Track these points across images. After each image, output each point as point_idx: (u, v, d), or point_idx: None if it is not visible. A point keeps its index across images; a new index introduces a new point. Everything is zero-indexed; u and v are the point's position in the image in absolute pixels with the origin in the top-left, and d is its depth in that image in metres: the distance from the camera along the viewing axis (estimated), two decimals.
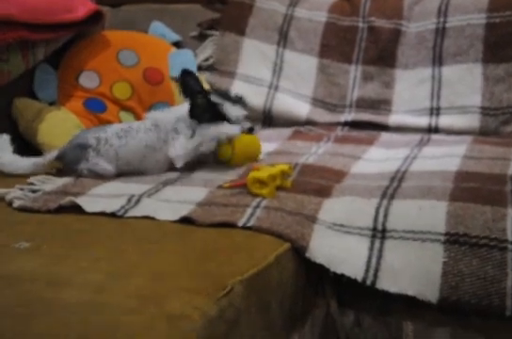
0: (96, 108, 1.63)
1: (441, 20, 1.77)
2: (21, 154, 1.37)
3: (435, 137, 1.65)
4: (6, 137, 1.36)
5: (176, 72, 1.71)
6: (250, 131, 1.38)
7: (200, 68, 1.81)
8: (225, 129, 1.33)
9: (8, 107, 1.57)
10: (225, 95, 1.38)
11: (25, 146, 1.53)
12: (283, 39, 1.85)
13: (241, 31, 1.85)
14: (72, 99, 1.63)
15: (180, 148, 1.33)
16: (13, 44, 1.50)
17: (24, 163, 1.33)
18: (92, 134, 1.33)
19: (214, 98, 1.35)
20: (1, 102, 1.56)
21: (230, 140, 1.36)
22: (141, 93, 1.68)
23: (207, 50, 1.85)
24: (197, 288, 0.86)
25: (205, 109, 1.33)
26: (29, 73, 1.62)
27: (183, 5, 1.97)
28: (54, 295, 0.84)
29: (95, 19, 1.71)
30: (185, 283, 0.88)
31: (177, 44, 1.86)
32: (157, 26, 1.89)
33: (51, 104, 1.64)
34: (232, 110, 1.34)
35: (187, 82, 1.35)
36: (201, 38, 1.88)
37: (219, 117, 1.33)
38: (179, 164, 1.34)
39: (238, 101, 1.38)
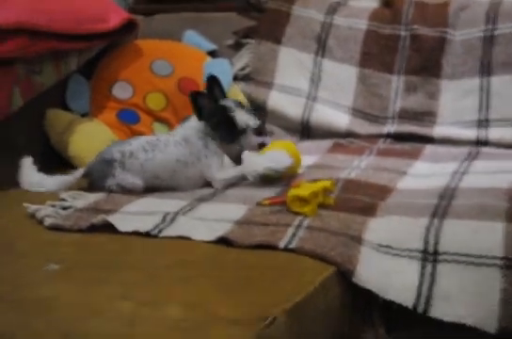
0: (129, 119, 1.62)
1: (490, 27, 1.71)
2: (51, 168, 1.34)
3: (484, 150, 1.58)
4: (29, 159, 1.33)
5: None
6: (261, 147, 1.32)
7: (235, 77, 1.78)
8: (274, 163, 1.27)
9: (41, 119, 1.55)
10: (239, 104, 1.34)
11: (57, 159, 1.51)
12: (321, 47, 1.81)
13: (278, 40, 1.82)
14: (105, 110, 1.62)
15: (220, 171, 1.30)
16: (46, 55, 1.48)
17: (52, 181, 1.30)
18: (117, 147, 1.30)
19: (226, 102, 1.31)
20: (33, 113, 1.54)
21: None
22: (176, 104, 1.65)
23: (243, 59, 1.82)
24: (237, 318, 0.82)
25: (212, 112, 1.29)
26: (62, 84, 1.61)
27: (218, 13, 1.95)
28: (82, 326, 0.79)
29: (128, 28, 1.69)
30: (224, 313, 0.83)
31: (212, 53, 1.84)
32: (192, 35, 1.86)
33: (83, 115, 1.62)
34: (242, 117, 1.30)
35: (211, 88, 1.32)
36: (237, 46, 1.85)
37: (228, 122, 1.29)
38: (218, 187, 1.31)
39: (251, 112, 1.34)
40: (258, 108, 1.73)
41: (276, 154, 1.29)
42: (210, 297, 0.87)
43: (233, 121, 1.29)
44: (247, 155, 1.28)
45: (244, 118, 1.30)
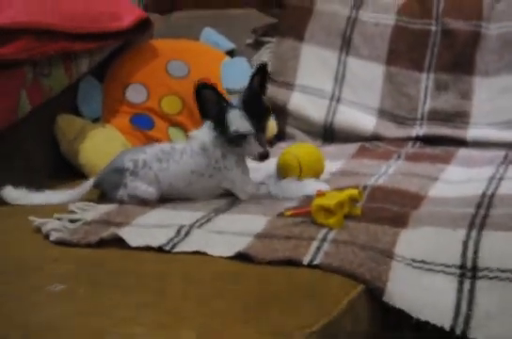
0: (144, 125, 1.58)
1: None
2: (61, 176, 1.28)
3: None
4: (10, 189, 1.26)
5: (230, 83, 1.61)
6: (262, 158, 1.21)
7: None
8: (307, 190, 1.22)
9: (51, 125, 1.51)
10: (251, 101, 1.19)
11: (67, 168, 1.47)
12: (346, 44, 1.77)
13: (300, 37, 1.78)
14: (119, 115, 1.59)
15: (247, 183, 1.25)
16: (55, 57, 1.44)
17: (60, 197, 1.25)
18: (130, 156, 1.24)
19: (234, 101, 1.19)
20: (43, 119, 1.50)
21: (296, 158, 1.30)
22: (192, 107, 1.59)
23: (263, 58, 1.78)
24: None
25: (217, 110, 1.18)
26: (73, 87, 1.57)
27: (236, 10, 1.92)
28: None
29: (143, 27, 1.65)
30: (243, 338, 0.77)
31: (231, 53, 1.81)
32: (209, 34, 1.82)
33: (95, 120, 1.59)
34: (235, 121, 1.17)
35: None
36: (257, 45, 1.82)
37: (222, 126, 1.18)
38: (245, 199, 1.25)
39: (261, 112, 1.20)
40: (278, 111, 1.69)
41: (314, 184, 1.25)
42: (228, 319, 0.82)
43: (226, 124, 1.19)
44: (285, 182, 1.26)
45: (235, 121, 1.18)
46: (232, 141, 1.21)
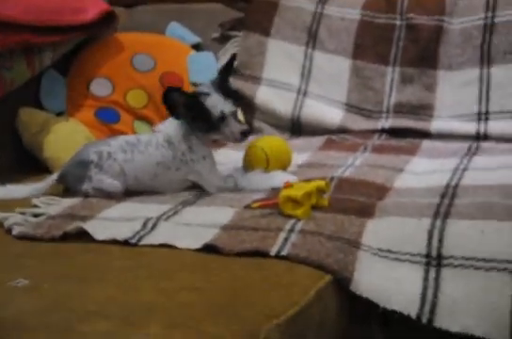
0: (109, 118, 1.57)
1: (490, 14, 1.68)
2: (24, 171, 1.26)
3: (485, 144, 1.55)
4: None
5: (196, 77, 1.61)
6: (245, 135, 1.23)
7: None
8: (275, 181, 1.22)
9: (12, 119, 1.48)
10: (220, 86, 1.23)
11: (30, 162, 1.44)
12: (312, 39, 1.77)
13: (266, 31, 1.77)
14: (83, 109, 1.57)
15: (214, 175, 1.25)
16: (17, 50, 1.42)
17: (22, 191, 1.22)
18: (94, 148, 1.23)
19: (203, 88, 1.22)
20: (4, 112, 1.47)
21: (263, 151, 1.30)
22: (158, 101, 1.59)
23: (229, 52, 1.76)
24: (225, 337, 0.75)
25: (185, 106, 1.19)
26: (35, 81, 1.54)
27: (203, 4, 1.90)
28: None
29: (107, 20, 1.63)
30: (211, 331, 0.77)
31: (197, 47, 1.79)
32: (175, 28, 1.81)
33: (59, 114, 1.56)
34: (218, 103, 1.20)
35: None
36: (223, 39, 1.81)
37: (202, 110, 1.19)
38: (213, 192, 1.24)
39: (232, 94, 1.24)
40: (245, 104, 1.68)
41: (282, 176, 1.25)
42: (195, 312, 0.81)
43: (207, 109, 1.20)
44: (252, 174, 1.26)
45: (218, 104, 1.20)
46: (211, 128, 1.21)
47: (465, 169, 1.32)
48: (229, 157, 1.40)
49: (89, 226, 1.04)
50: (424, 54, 1.70)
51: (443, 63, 1.68)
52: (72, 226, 1.05)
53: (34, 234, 1.05)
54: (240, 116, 1.60)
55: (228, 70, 1.28)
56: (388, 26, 1.74)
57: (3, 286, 0.87)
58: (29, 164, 1.40)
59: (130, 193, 1.22)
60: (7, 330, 0.75)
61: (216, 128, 1.21)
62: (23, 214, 1.12)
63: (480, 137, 1.58)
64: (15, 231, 1.06)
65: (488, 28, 1.66)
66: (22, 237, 1.05)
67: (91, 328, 0.76)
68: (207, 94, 1.20)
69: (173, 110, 1.20)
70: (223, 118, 1.20)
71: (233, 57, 1.30)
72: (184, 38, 1.78)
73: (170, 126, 1.24)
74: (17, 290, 0.86)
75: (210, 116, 1.20)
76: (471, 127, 1.60)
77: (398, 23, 1.74)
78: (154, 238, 1.02)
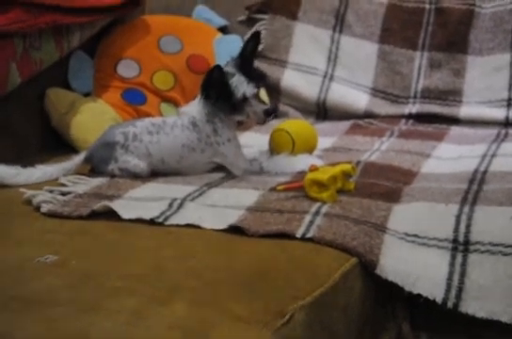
0: (135, 100, 1.56)
1: None
2: (51, 151, 1.26)
3: None
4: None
5: (223, 60, 1.60)
6: (268, 114, 1.22)
7: None
8: (300, 165, 1.22)
9: (41, 99, 1.48)
10: (244, 66, 1.22)
11: (58, 141, 1.44)
12: (340, 23, 1.75)
13: (293, 15, 1.76)
14: (110, 90, 1.56)
15: (240, 158, 1.25)
16: (46, 30, 1.41)
17: (54, 173, 1.21)
18: (120, 129, 1.23)
19: (228, 68, 1.21)
20: (33, 93, 1.47)
21: (289, 134, 1.30)
22: (184, 83, 1.60)
23: None
24: (249, 316, 0.76)
25: (215, 85, 1.18)
26: (63, 62, 1.54)
27: None
28: (80, 324, 0.72)
29: (135, 2, 1.63)
30: (236, 310, 0.77)
31: (223, 29, 1.79)
32: (202, 10, 1.81)
33: (86, 94, 1.56)
34: (241, 86, 1.19)
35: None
36: (250, 22, 1.80)
37: (225, 93, 1.19)
38: (239, 174, 1.24)
39: (258, 77, 1.23)
40: (271, 88, 1.67)
41: (307, 159, 1.24)
42: (220, 292, 0.81)
43: (231, 89, 1.19)
44: (278, 157, 1.26)
45: (241, 85, 1.19)
46: (233, 109, 1.20)
47: (493, 156, 1.31)
48: (254, 141, 1.40)
49: (116, 205, 1.05)
50: (453, 38, 1.68)
51: (473, 48, 1.66)
52: (99, 205, 1.05)
53: (62, 212, 1.05)
54: (265, 96, 1.59)
55: (252, 50, 1.25)
56: (417, 10, 1.72)
57: (32, 262, 0.87)
58: (55, 145, 1.40)
59: (155, 174, 1.22)
60: (35, 306, 0.76)
61: (239, 109, 1.20)
62: (50, 192, 1.12)
63: (509, 123, 1.56)
64: (43, 208, 1.07)
65: None
66: (50, 215, 1.05)
67: (118, 304, 0.76)
68: (233, 74, 1.20)
69: (206, 89, 1.19)
70: (245, 99, 1.19)
71: (257, 35, 1.26)
72: (211, 20, 1.77)
73: (194, 108, 1.23)
74: (46, 266, 0.87)
75: (232, 96, 1.19)
76: (500, 113, 1.58)
77: (427, 6, 1.72)
78: (180, 218, 1.02)
